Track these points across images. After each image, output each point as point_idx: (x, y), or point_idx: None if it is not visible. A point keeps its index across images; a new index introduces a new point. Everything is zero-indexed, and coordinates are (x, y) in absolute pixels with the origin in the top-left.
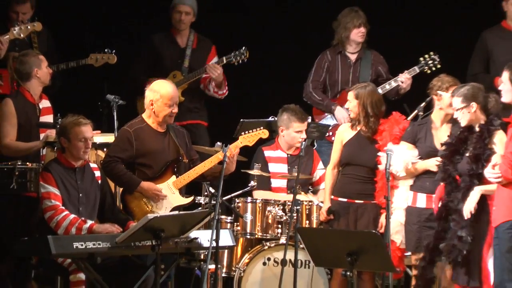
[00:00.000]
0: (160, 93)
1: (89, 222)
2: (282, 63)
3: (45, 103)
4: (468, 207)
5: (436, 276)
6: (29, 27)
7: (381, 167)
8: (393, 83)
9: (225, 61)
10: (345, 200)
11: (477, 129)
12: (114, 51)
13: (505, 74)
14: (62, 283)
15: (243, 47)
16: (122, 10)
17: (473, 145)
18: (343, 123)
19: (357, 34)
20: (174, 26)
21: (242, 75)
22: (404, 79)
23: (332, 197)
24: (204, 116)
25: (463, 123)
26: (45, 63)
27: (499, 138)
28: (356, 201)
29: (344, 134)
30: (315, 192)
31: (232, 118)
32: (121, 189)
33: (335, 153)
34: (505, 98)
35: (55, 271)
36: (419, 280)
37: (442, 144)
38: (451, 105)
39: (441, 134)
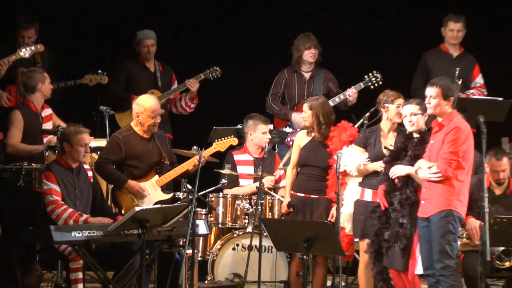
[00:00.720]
0: (145, 107)
1: (85, 216)
2: (246, 80)
3: (47, 112)
4: (398, 170)
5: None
6: (33, 48)
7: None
8: (342, 97)
9: (203, 77)
10: (302, 195)
11: (418, 135)
12: (106, 72)
13: (434, 90)
14: (62, 266)
15: (214, 66)
16: (114, 35)
17: (413, 148)
18: (299, 126)
19: (308, 55)
20: (143, 57)
21: (213, 90)
22: (351, 93)
23: (292, 192)
24: (169, 129)
25: (416, 127)
26: (48, 79)
27: None
28: (312, 196)
29: (301, 140)
30: (275, 189)
31: (205, 126)
32: (112, 186)
33: (294, 156)
34: (430, 111)
35: (56, 256)
36: (372, 254)
37: (385, 148)
38: (398, 116)
39: (388, 141)
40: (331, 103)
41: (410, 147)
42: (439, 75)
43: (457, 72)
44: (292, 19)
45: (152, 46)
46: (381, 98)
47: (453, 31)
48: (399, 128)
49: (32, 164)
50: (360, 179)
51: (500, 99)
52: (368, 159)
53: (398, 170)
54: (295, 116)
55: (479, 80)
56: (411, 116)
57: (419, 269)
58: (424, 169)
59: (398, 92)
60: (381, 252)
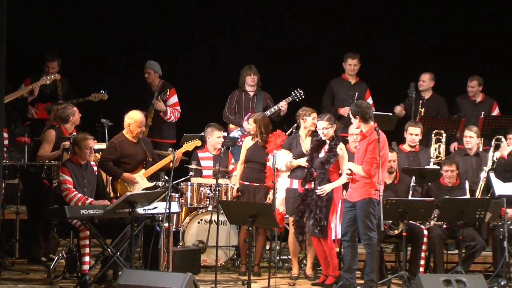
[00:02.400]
0: (134, 119)
1: (89, 199)
2: (206, 98)
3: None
4: (326, 187)
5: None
6: (52, 76)
7: (268, 163)
8: (276, 108)
9: (159, 98)
10: (248, 183)
11: (328, 141)
12: (106, 91)
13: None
14: (74, 235)
15: (165, 91)
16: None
17: (326, 152)
18: (247, 130)
19: (249, 80)
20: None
21: (182, 106)
22: (283, 105)
23: (240, 181)
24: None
25: (326, 137)
26: (77, 112)
27: (340, 147)
28: (254, 184)
29: (247, 143)
30: (229, 178)
31: (178, 133)
32: (111, 177)
33: (242, 154)
34: (355, 126)
35: (69, 228)
36: (296, 228)
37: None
38: (313, 125)
39: (305, 144)
40: (268, 113)
41: (322, 150)
42: (340, 97)
43: (356, 95)
44: (240, 53)
45: (149, 74)
46: (300, 113)
47: (351, 65)
48: (313, 133)
49: (52, 161)
50: (288, 173)
51: (390, 114)
52: (293, 157)
53: (326, 187)
54: (245, 124)
55: (369, 101)
56: (323, 129)
57: (337, 235)
58: (344, 174)
59: (312, 108)
60: (301, 225)
